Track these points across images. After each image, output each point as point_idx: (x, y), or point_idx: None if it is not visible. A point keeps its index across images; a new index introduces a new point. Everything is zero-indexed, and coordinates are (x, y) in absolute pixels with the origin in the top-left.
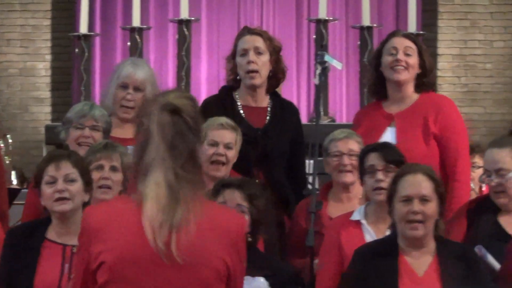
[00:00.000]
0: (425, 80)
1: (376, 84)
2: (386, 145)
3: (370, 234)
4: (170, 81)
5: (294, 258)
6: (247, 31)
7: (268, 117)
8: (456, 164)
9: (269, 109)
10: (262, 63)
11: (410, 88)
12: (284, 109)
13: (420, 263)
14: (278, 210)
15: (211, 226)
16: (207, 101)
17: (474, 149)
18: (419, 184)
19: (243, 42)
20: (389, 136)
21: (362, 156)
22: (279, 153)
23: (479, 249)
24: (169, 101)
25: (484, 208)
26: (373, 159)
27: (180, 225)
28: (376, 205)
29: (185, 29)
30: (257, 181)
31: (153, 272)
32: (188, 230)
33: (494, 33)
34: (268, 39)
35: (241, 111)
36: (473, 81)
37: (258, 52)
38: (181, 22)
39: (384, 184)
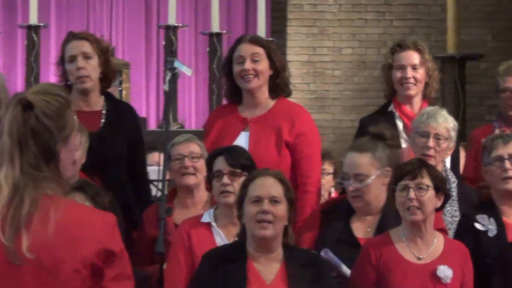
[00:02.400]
0: (278, 81)
1: (231, 91)
2: (233, 149)
3: (221, 237)
4: (19, 87)
5: (143, 265)
6: (72, 36)
7: (103, 121)
8: (309, 175)
9: (103, 112)
10: (92, 67)
11: (264, 93)
12: (119, 111)
13: (268, 270)
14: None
15: (72, 225)
16: None
17: (324, 156)
18: (270, 185)
19: (70, 48)
20: (242, 140)
21: (210, 160)
22: (115, 157)
23: (325, 252)
24: (24, 96)
25: (337, 211)
26: (220, 163)
27: (29, 224)
28: (224, 208)
29: (34, 35)
30: None
31: (8, 276)
32: (44, 230)
33: (342, 40)
34: (95, 41)
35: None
36: (321, 87)
37: (86, 57)
38: (30, 28)
39: (231, 188)
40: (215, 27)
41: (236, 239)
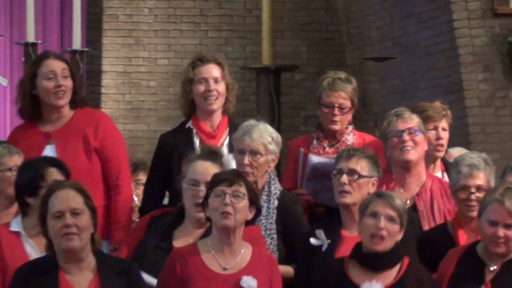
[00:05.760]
0: (76, 98)
1: (30, 107)
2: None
3: (32, 246)
4: None
5: None
6: None
7: None
8: (119, 177)
9: None
10: None
11: (67, 108)
12: None
13: (80, 280)
14: None
15: None
16: None
17: (139, 166)
18: (69, 198)
19: None
20: (49, 153)
21: (40, 170)
22: None
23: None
24: None
25: (165, 219)
26: (54, 174)
27: None
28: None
29: None
30: None
31: None
32: None
33: (158, 50)
34: None
35: None
36: (137, 98)
37: None
38: None
39: None
40: (31, 37)
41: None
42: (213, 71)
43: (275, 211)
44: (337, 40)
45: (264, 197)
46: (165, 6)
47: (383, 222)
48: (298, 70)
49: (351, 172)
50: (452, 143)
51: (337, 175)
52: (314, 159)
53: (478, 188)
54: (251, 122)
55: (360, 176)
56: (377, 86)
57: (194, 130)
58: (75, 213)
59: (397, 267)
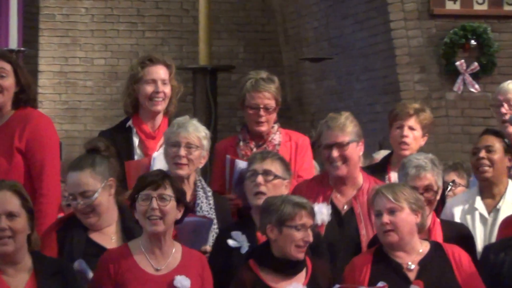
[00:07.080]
0: (22, 97)
1: None
2: None
3: None
4: None
5: None
6: None
7: None
8: (42, 179)
9: None
10: None
11: (7, 107)
12: None
13: (16, 281)
14: None
15: None
16: None
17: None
18: (5, 200)
19: None
20: None
21: None
22: None
23: (79, 264)
24: None
25: (72, 227)
26: None
27: None
28: None
29: None
30: None
31: None
32: None
33: (94, 50)
34: None
35: None
36: (73, 98)
37: None
38: None
39: None
40: None
41: None
42: (162, 72)
43: (213, 207)
44: (273, 40)
45: (200, 193)
46: (102, 6)
47: (311, 236)
48: (235, 70)
49: (266, 172)
50: (387, 145)
51: (251, 177)
52: (242, 164)
53: (426, 188)
54: (185, 117)
55: (276, 177)
56: (314, 86)
57: (134, 130)
58: (11, 215)
59: (304, 268)
